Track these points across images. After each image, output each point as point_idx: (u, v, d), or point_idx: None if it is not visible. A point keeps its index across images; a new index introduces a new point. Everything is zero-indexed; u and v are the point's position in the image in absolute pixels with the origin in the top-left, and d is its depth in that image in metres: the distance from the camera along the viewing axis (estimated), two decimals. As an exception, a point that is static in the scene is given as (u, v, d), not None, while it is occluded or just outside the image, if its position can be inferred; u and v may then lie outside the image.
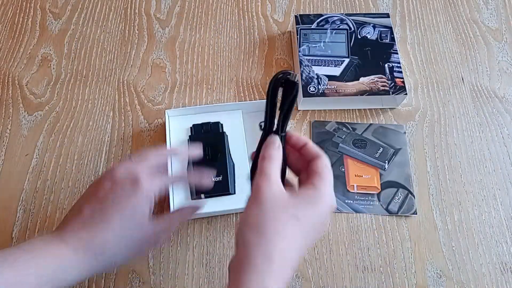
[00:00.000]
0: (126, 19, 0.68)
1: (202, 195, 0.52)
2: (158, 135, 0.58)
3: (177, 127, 0.57)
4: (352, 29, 0.63)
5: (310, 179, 0.36)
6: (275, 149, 0.37)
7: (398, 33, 0.68)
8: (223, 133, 0.55)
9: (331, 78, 0.59)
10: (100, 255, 0.38)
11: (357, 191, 0.55)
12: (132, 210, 0.39)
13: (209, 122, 0.56)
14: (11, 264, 0.35)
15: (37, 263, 0.36)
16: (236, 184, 0.53)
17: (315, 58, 0.61)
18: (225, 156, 0.53)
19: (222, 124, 0.56)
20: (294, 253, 0.33)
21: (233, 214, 0.53)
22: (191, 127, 0.56)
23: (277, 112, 0.38)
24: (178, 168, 0.54)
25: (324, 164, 0.37)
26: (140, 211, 0.40)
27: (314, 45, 0.62)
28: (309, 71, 0.60)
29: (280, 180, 0.36)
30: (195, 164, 0.53)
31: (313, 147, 0.39)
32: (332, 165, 0.57)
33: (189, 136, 0.55)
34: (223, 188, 0.52)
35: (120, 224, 0.39)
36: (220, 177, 0.52)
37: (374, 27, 0.64)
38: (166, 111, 0.56)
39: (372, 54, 0.61)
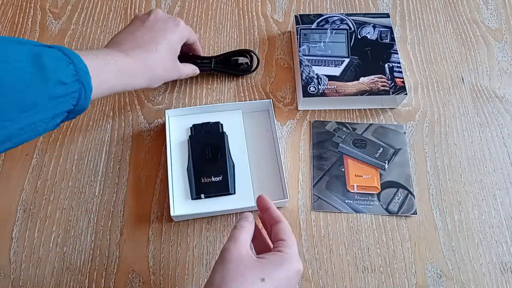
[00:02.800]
0: (126, 19, 0.68)
1: (202, 195, 0.52)
2: (158, 135, 0.58)
3: (177, 127, 0.57)
4: (352, 29, 0.63)
5: (276, 246, 0.39)
6: (247, 222, 0.41)
7: (398, 33, 0.68)
8: (223, 133, 0.55)
9: (331, 78, 0.59)
10: (150, 68, 0.48)
11: (357, 191, 0.55)
12: (174, 40, 0.51)
13: (209, 122, 0.56)
14: (93, 54, 0.42)
15: (114, 59, 0.44)
16: (236, 184, 0.53)
17: (315, 58, 0.61)
18: (225, 156, 0.53)
19: (222, 124, 0.56)
20: None
21: (233, 214, 0.53)
22: (191, 127, 0.56)
23: None
24: (179, 168, 0.54)
25: (287, 228, 0.41)
26: (179, 43, 0.52)
27: (314, 45, 0.62)
28: (309, 71, 0.60)
29: (249, 246, 0.39)
30: (196, 164, 0.53)
31: (274, 212, 0.42)
32: (332, 165, 0.57)
33: (189, 136, 0.55)
34: (223, 188, 0.52)
35: (165, 48, 0.49)
36: (220, 177, 0.52)
37: (374, 27, 0.64)
38: (166, 111, 0.56)
39: (372, 54, 0.61)
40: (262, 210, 0.44)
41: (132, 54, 0.46)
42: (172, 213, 0.50)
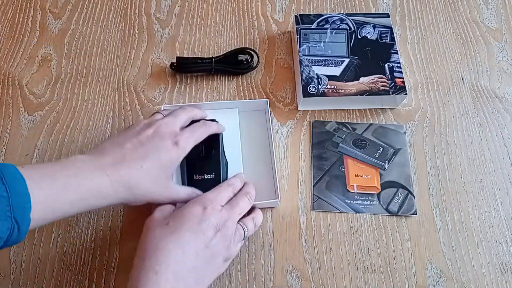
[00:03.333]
0: (126, 19, 0.68)
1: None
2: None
3: None
4: (352, 29, 0.63)
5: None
6: None
7: (398, 33, 0.68)
8: None
9: (331, 78, 0.59)
10: (133, 189, 0.41)
11: (357, 191, 0.55)
12: (168, 162, 0.44)
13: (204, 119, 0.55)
14: (51, 177, 0.37)
15: (78, 183, 0.38)
16: None
17: (315, 58, 0.61)
18: (218, 153, 0.53)
19: (217, 122, 0.56)
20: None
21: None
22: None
23: None
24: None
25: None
26: (174, 166, 0.46)
27: (314, 45, 0.62)
28: (309, 71, 0.60)
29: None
30: (188, 160, 0.52)
31: None
32: (332, 165, 0.57)
33: None
34: (215, 185, 0.50)
35: (156, 169, 0.43)
36: (213, 175, 0.52)
37: (374, 27, 0.64)
38: (162, 106, 0.55)
39: (372, 54, 0.61)
40: None
41: (110, 171, 0.40)
42: None
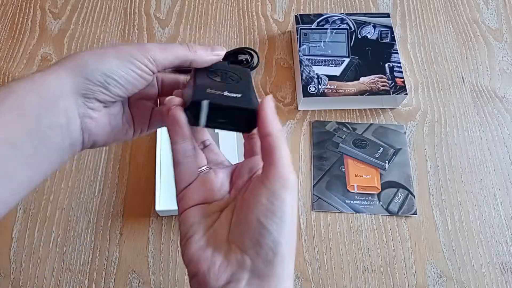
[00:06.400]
0: (126, 19, 0.68)
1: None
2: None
3: None
4: (352, 28, 0.63)
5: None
6: None
7: (399, 33, 0.68)
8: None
9: (331, 78, 0.59)
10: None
11: (357, 191, 0.55)
12: (130, 56, 0.30)
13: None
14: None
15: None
16: None
17: (315, 58, 0.61)
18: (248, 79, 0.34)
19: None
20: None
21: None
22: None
23: None
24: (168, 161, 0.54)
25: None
26: (138, 65, 0.30)
27: (314, 45, 0.62)
28: (309, 71, 0.60)
29: None
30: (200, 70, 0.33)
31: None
32: (332, 165, 0.57)
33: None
34: (243, 115, 0.30)
35: (118, 58, 0.29)
36: (241, 94, 0.30)
37: (374, 26, 0.63)
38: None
39: (372, 54, 0.61)
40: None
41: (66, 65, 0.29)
42: (157, 208, 0.49)
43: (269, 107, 0.27)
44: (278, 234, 0.25)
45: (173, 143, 0.29)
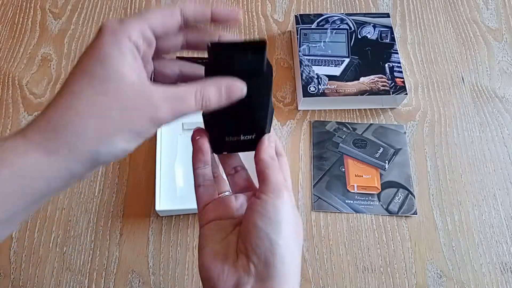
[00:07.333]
0: (126, 19, 0.68)
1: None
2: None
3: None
4: (352, 29, 0.63)
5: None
6: None
7: (398, 33, 0.68)
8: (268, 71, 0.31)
9: (331, 78, 0.59)
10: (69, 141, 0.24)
11: (357, 191, 0.55)
12: (99, 68, 0.24)
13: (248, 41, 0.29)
14: None
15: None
16: None
17: (315, 58, 0.61)
18: (267, 99, 0.31)
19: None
20: None
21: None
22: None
23: None
24: (168, 161, 0.54)
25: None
26: (115, 64, 0.24)
27: (314, 45, 0.62)
28: (309, 71, 0.60)
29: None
30: (213, 114, 0.29)
31: None
32: (332, 165, 0.57)
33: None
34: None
35: (89, 90, 0.24)
36: (253, 135, 0.33)
37: (374, 27, 0.64)
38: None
39: (372, 54, 0.61)
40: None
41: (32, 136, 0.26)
42: (157, 207, 0.49)
43: (265, 142, 0.33)
44: (276, 236, 0.28)
45: (195, 168, 0.33)
